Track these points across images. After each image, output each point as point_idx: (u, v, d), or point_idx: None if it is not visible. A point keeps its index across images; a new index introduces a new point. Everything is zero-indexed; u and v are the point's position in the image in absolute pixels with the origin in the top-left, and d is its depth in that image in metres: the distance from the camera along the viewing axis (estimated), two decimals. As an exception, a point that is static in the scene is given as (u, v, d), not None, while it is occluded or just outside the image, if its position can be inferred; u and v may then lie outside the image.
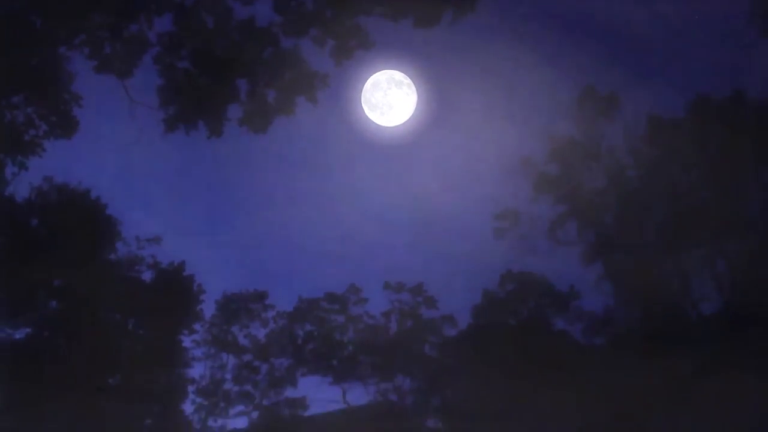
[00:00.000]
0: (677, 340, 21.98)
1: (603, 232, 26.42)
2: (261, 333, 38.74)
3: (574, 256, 32.31)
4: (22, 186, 30.16)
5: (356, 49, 19.26)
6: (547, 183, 27.01)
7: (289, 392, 37.86)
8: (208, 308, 39.04)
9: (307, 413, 35.85)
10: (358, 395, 36.42)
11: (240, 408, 37.91)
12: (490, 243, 45.17)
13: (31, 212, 31.33)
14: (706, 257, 23.86)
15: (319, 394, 46.21)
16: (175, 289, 35.45)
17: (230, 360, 38.85)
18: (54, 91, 20.81)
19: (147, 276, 36.17)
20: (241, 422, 37.18)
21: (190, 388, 37.19)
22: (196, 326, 37.99)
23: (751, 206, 22.90)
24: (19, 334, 31.32)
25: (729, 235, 22.05)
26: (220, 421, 37.59)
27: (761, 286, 19.89)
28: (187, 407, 37.11)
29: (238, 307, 38.89)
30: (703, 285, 24.18)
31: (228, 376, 38.50)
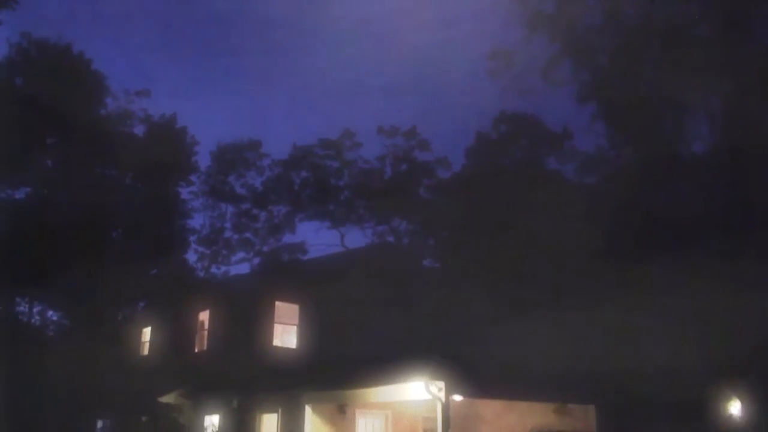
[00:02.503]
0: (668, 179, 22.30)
1: (598, 71, 25.98)
2: (257, 181, 39.26)
3: (568, 96, 32.02)
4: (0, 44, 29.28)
5: None
6: (541, 21, 26.10)
7: (288, 238, 38.98)
8: (204, 159, 39.34)
9: (306, 257, 37.08)
10: (356, 238, 37.61)
11: (241, 255, 39.18)
12: (483, 84, 44.66)
13: (12, 71, 30.56)
14: (702, 94, 23.64)
15: (317, 239, 47.72)
16: (168, 142, 35.40)
17: (229, 209, 39.64)
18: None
19: (139, 130, 36.08)
20: (243, 268, 38.51)
21: (192, 238, 38.24)
22: (193, 178, 38.43)
23: (750, 42, 22.34)
24: (20, 194, 31.65)
25: (726, 71, 21.68)
26: (222, 268, 39.00)
27: (754, 124, 19.88)
28: (191, 256, 38.37)
29: (233, 156, 39.06)
30: (697, 123, 24.18)
31: (227, 224, 39.46)
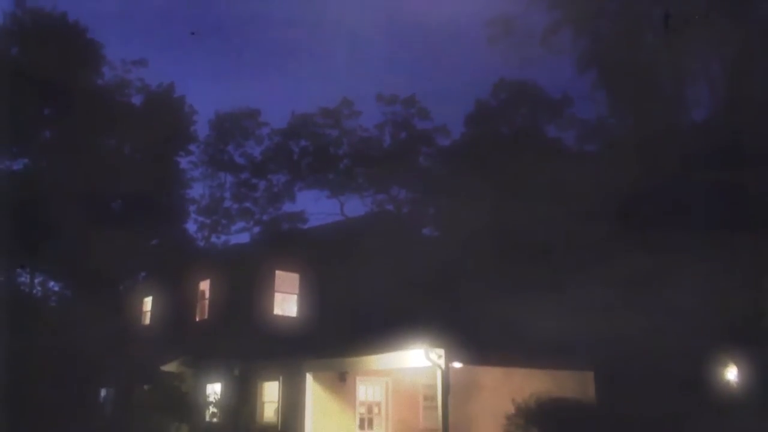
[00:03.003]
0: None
1: (598, 38, 25.78)
2: (256, 151, 39.11)
3: (568, 63, 31.82)
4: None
5: None
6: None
7: (288, 207, 38.94)
8: (202, 129, 39.10)
9: (306, 226, 37.10)
10: (356, 207, 37.62)
11: (241, 224, 39.20)
12: (482, 52, 44.26)
13: (7, 40, 30.25)
14: (702, 61, 23.51)
15: (317, 208, 47.74)
16: (166, 111, 35.16)
17: (228, 179, 39.56)
18: None
19: (137, 100, 35.83)
20: (243, 237, 38.54)
21: (191, 208, 38.21)
22: (192, 147, 38.26)
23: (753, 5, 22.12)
24: (17, 165, 31.54)
25: (727, 38, 21.50)
26: (222, 238, 39.03)
27: (754, 92, 19.76)
28: (190, 226, 38.37)
29: (232, 125, 38.87)
30: (697, 91, 24.05)
31: (227, 194, 39.40)
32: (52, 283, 37.11)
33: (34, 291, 35.25)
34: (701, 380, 18.66)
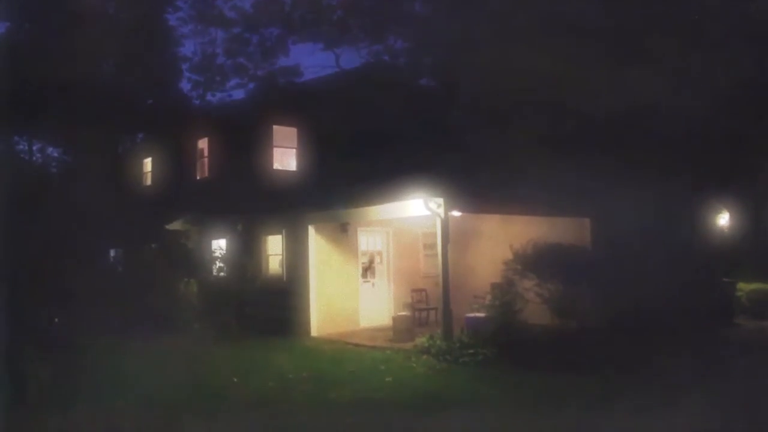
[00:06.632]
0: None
1: None
2: (246, 3, 37.83)
3: None
4: None
5: None
6: None
7: (282, 61, 38.16)
8: (189, -18, 37.48)
9: (301, 80, 36.44)
10: (351, 59, 36.83)
11: (235, 81, 38.56)
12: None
13: None
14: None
15: (312, 61, 46.62)
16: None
17: (219, 34, 38.43)
18: None
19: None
20: (239, 95, 38.05)
21: (184, 66, 37.42)
22: (179, 3, 36.97)
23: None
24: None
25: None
26: (218, 95, 38.51)
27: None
28: (184, 85, 37.76)
29: (220, -23, 37.31)
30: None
31: (219, 50, 38.44)
32: (51, 149, 37.17)
33: (34, 158, 35.33)
34: (693, 225, 19.06)
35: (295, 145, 20.07)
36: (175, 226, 21.26)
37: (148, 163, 26.02)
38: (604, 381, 10.47)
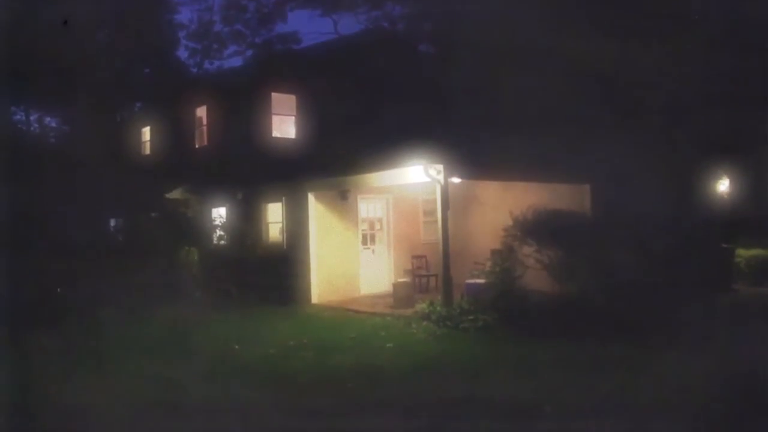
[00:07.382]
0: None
1: None
2: (243, -31, 37.11)
3: None
4: None
5: None
6: None
7: (280, 28, 37.82)
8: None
9: (299, 47, 36.07)
10: (350, 24, 36.58)
11: (233, 48, 38.16)
12: None
13: None
14: None
15: (310, 28, 46.18)
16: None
17: (216, 1, 37.97)
18: None
19: None
20: (237, 62, 37.69)
21: (181, 34, 37.05)
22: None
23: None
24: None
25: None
26: (216, 63, 38.16)
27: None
28: (181, 53, 37.41)
29: (215, -58, 36.73)
30: None
31: (216, 17, 38.00)
32: (48, 119, 36.96)
33: (32, 128, 35.14)
34: (694, 193, 19.06)
35: (294, 113, 19.99)
36: (175, 194, 21.25)
37: (146, 132, 25.94)
38: (602, 345, 10.55)
